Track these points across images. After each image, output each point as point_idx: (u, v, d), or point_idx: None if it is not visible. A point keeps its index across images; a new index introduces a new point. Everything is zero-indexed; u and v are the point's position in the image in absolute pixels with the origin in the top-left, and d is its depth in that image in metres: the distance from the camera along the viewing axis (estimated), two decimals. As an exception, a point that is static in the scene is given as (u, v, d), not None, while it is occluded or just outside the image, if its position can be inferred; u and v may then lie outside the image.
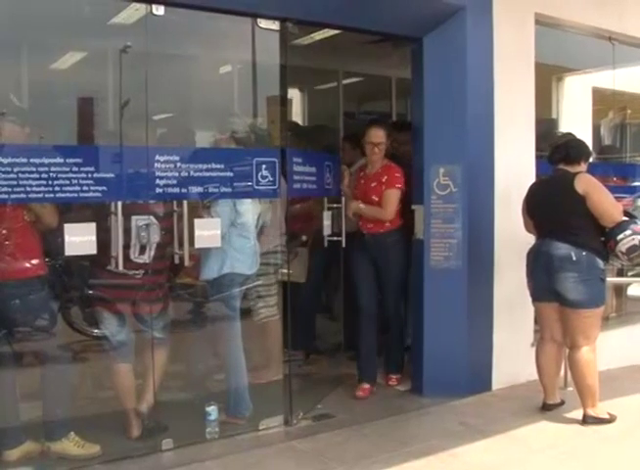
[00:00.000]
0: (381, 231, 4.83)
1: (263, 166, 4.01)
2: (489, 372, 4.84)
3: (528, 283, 4.41)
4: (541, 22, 5.03)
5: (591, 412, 4.23)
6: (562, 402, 4.48)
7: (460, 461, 3.73)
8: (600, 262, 4.17)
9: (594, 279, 4.15)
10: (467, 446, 3.90)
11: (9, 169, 3.27)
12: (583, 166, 4.35)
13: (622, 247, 4.12)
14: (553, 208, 4.24)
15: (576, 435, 4.13)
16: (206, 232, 3.86)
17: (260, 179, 4.01)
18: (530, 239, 4.48)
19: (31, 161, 3.33)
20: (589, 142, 5.44)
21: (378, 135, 4.77)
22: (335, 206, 4.78)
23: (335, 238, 4.78)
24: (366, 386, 4.83)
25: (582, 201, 4.13)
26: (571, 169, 4.29)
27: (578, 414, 4.30)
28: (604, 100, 6.33)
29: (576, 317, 4.19)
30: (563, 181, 4.24)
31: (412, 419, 4.45)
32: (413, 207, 4.84)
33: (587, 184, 4.16)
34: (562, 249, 4.16)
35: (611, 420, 4.24)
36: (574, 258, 4.12)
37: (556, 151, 4.41)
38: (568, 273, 4.14)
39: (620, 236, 4.11)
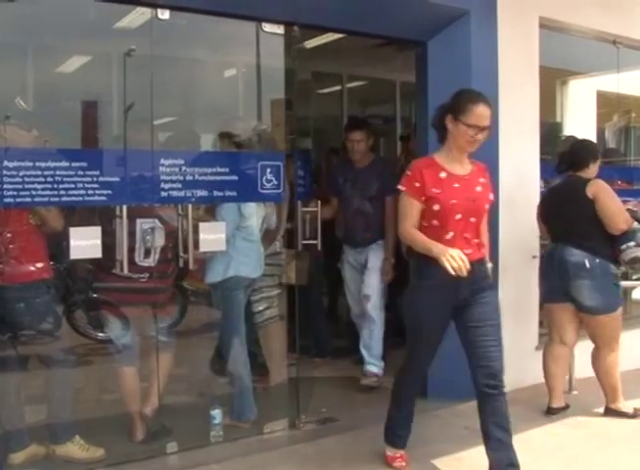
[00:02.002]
0: (480, 257, 3.44)
1: (268, 170, 4.02)
2: (494, 376, 4.82)
3: (541, 284, 4.44)
4: (546, 25, 5.03)
5: (612, 406, 4.37)
6: (567, 406, 4.48)
7: (465, 465, 3.73)
8: (613, 268, 4.22)
9: (608, 285, 4.20)
10: (472, 449, 3.88)
11: (15, 173, 3.28)
12: (593, 168, 4.35)
13: (625, 257, 4.18)
14: (565, 213, 4.26)
15: (582, 439, 4.12)
16: (211, 236, 3.87)
17: (265, 183, 4.01)
18: (535, 242, 4.49)
19: (37, 164, 3.34)
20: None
21: (489, 116, 3.38)
22: (310, 209, 4.51)
23: (311, 242, 4.50)
24: (402, 452, 3.77)
25: (592, 206, 4.15)
26: (583, 174, 4.30)
27: (584, 418, 4.31)
28: (608, 103, 6.33)
29: (595, 323, 4.27)
30: (575, 187, 4.27)
31: (416, 423, 4.39)
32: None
33: (597, 188, 4.19)
34: (575, 255, 4.18)
35: (634, 416, 4.36)
36: (588, 266, 4.15)
37: (562, 160, 4.44)
38: (583, 281, 4.18)
39: (624, 247, 4.15)
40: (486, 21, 4.64)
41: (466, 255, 3.21)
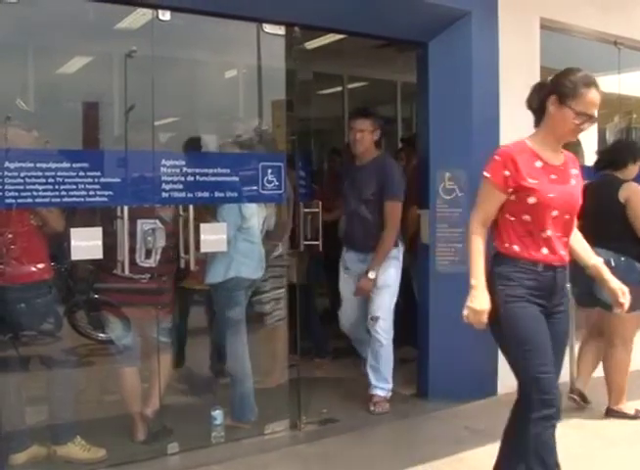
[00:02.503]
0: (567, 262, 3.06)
1: (269, 171, 4.02)
2: (495, 377, 4.82)
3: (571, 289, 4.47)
4: (546, 26, 5.03)
5: (614, 407, 4.38)
6: (586, 398, 4.50)
7: (466, 466, 3.72)
8: (639, 266, 4.21)
9: (633, 283, 4.20)
10: (473, 450, 3.88)
11: (16, 174, 3.29)
12: (632, 168, 4.36)
13: None
14: (596, 214, 4.28)
15: (583, 439, 4.12)
16: (212, 236, 3.87)
17: (266, 184, 4.02)
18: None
19: (38, 165, 3.35)
20: (594, 146, 5.44)
21: (599, 103, 2.91)
22: (311, 210, 4.48)
23: (313, 242, 4.50)
24: None
25: (624, 209, 4.18)
26: (620, 174, 4.32)
27: (585, 419, 4.31)
28: (609, 104, 6.32)
29: (617, 321, 4.27)
30: (609, 188, 4.27)
31: (417, 424, 4.45)
32: (419, 211, 4.84)
33: (630, 192, 4.20)
34: (601, 255, 4.19)
35: (636, 417, 4.37)
36: (613, 264, 4.15)
37: (601, 158, 4.46)
38: None
39: None
40: (487, 21, 4.64)
41: (560, 256, 2.94)
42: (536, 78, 4.96)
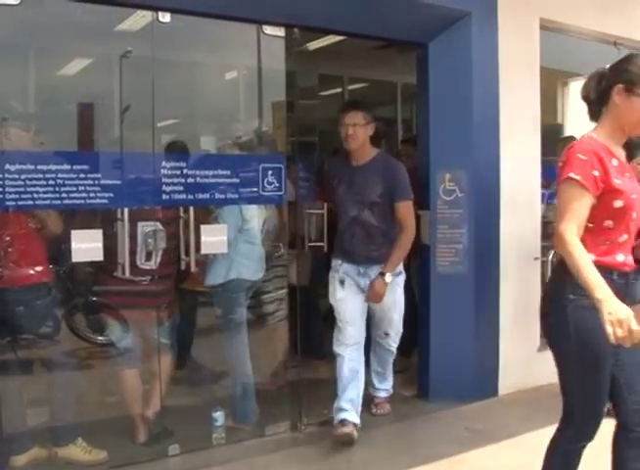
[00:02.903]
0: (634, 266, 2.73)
1: (269, 172, 4.03)
2: (496, 377, 4.83)
3: None
4: (546, 26, 5.03)
5: None
6: None
7: (466, 467, 3.73)
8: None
9: None
10: (473, 451, 3.89)
11: (16, 176, 3.29)
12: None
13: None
14: None
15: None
16: (213, 238, 3.88)
17: (266, 185, 4.02)
18: (537, 243, 4.48)
19: (38, 167, 3.35)
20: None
21: None
22: (315, 211, 4.46)
23: (317, 244, 4.48)
24: None
25: None
26: None
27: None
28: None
29: None
30: None
31: (418, 425, 4.44)
32: (419, 212, 4.84)
33: None
34: None
35: None
36: None
37: None
38: None
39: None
40: (487, 22, 4.65)
41: (631, 261, 2.64)
42: (536, 78, 5.00)
